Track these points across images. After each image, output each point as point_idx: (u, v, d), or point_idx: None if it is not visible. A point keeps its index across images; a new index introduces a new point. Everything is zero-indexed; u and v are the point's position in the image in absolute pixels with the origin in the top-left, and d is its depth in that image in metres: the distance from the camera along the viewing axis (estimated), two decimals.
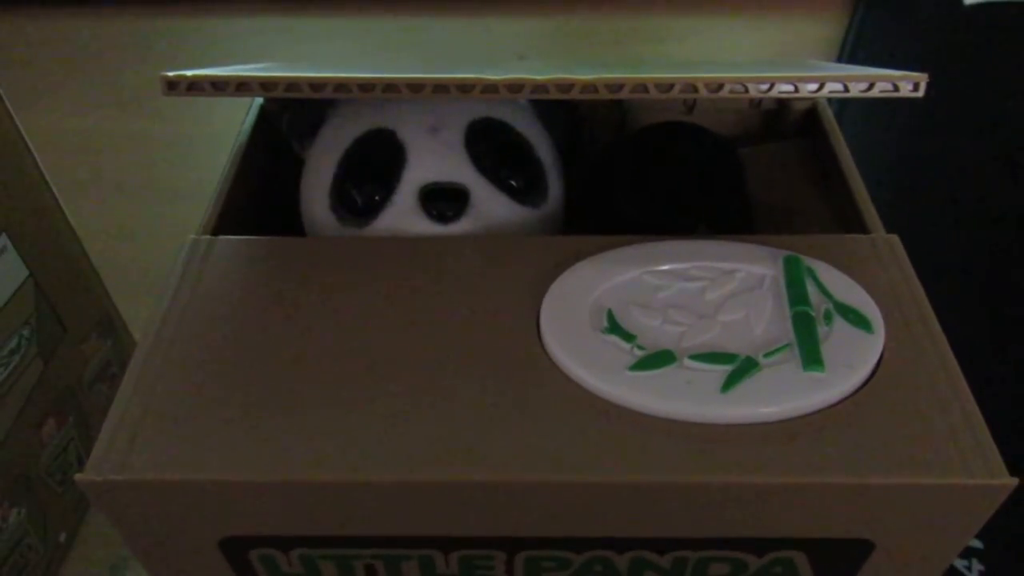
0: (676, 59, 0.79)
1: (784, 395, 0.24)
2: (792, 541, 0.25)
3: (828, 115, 0.37)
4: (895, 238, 0.29)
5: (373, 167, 0.32)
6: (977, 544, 0.43)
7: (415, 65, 0.32)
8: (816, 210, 0.35)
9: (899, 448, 0.23)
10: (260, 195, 0.36)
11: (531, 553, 0.26)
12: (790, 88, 0.26)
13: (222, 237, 0.30)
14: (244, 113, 0.38)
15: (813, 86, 0.26)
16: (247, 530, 0.25)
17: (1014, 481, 0.23)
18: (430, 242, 0.30)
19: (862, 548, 0.25)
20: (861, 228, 0.30)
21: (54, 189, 0.42)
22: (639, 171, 0.34)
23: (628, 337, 0.26)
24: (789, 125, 0.40)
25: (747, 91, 0.26)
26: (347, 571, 0.27)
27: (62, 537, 0.44)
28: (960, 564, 0.42)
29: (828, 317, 0.26)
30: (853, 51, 0.76)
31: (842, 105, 0.66)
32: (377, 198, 0.31)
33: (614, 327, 0.26)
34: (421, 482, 0.23)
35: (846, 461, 0.23)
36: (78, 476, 0.24)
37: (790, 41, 0.81)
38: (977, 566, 0.42)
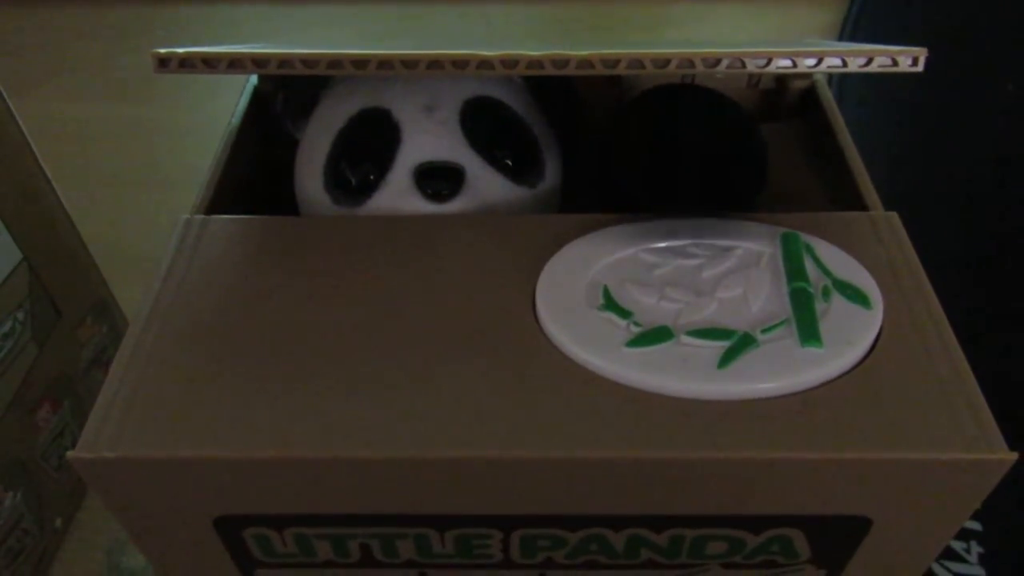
0: (674, 41, 0.79)
1: (781, 371, 0.24)
2: (789, 518, 0.25)
3: (827, 94, 0.37)
4: (894, 215, 0.29)
5: (367, 146, 0.32)
6: (976, 526, 0.43)
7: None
8: (815, 188, 0.35)
9: (897, 423, 0.23)
10: (254, 176, 0.36)
11: (527, 531, 0.26)
12: (788, 63, 0.26)
13: (215, 216, 0.30)
14: (238, 98, 0.37)
15: (811, 61, 0.26)
16: (241, 508, 0.25)
17: (1013, 456, 0.23)
18: (425, 221, 0.30)
19: (860, 525, 0.25)
20: (860, 206, 0.30)
21: (49, 176, 0.42)
22: (639, 142, 0.33)
23: (624, 314, 0.26)
24: (787, 105, 0.40)
25: (744, 66, 0.26)
26: (342, 550, 0.26)
27: (58, 522, 0.43)
28: (959, 546, 0.42)
29: (826, 293, 0.26)
30: (852, 38, 0.76)
31: (841, 88, 0.66)
32: (372, 177, 0.31)
33: (610, 304, 0.26)
34: (415, 459, 0.23)
35: (844, 437, 0.23)
36: (70, 454, 0.23)
37: (789, 27, 0.81)
38: (976, 548, 0.42)
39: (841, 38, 0.77)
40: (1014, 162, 0.60)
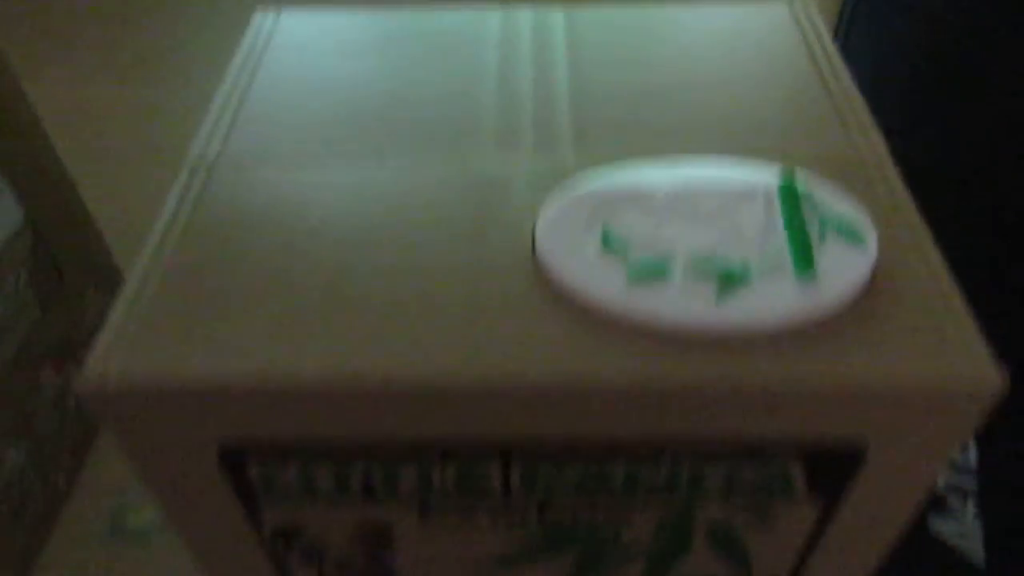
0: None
1: (778, 305, 0.25)
2: (786, 450, 0.25)
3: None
4: (886, 154, 0.29)
5: None
6: (971, 485, 0.43)
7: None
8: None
9: (892, 354, 0.24)
10: None
11: (526, 467, 0.26)
12: None
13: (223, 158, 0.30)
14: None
15: None
16: (245, 436, 0.25)
17: (1003, 383, 0.23)
18: None
19: (855, 455, 0.25)
20: (857, 142, 0.31)
21: (58, 152, 0.42)
22: None
23: (623, 248, 0.26)
24: None
25: None
26: (344, 486, 0.27)
27: (61, 482, 0.44)
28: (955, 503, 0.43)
29: (822, 229, 0.27)
30: (846, 37, 0.76)
31: (846, 38, 0.66)
32: None
33: (609, 238, 0.27)
34: (413, 379, 0.23)
35: (839, 367, 0.23)
36: (77, 385, 0.24)
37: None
38: (972, 507, 0.42)
39: (836, 38, 0.77)
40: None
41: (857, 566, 0.32)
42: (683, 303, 0.25)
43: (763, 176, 0.28)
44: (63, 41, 0.81)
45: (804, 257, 0.25)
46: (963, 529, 0.42)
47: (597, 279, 0.25)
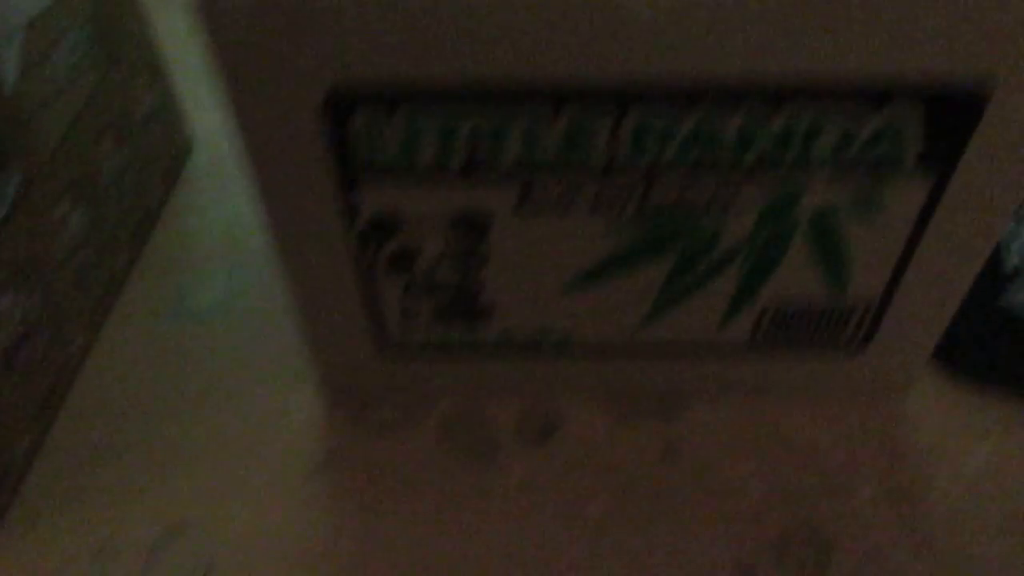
0: None
1: None
2: (905, 94, 0.25)
3: None
4: None
5: None
6: None
7: None
8: None
9: None
10: None
11: (639, 115, 0.25)
12: None
13: None
14: None
15: None
16: (355, 79, 0.24)
17: None
18: None
19: (976, 107, 0.25)
20: None
21: None
22: None
23: None
24: None
25: None
26: (449, 143, 0.26)
27: (121, 261, 0.43)
28: None
29: None
30: None
31: None
32: None
33: None
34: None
35: None
36: (194, 3, 0.23)
37: None
38: None
39: None
40: None
41: (955, 281, 0.31)
42: None
43: None
44: None
45: None
46: None
47: None
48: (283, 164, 0.27)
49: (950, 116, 0.25)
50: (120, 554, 0.33)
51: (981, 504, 0.33)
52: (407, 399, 0.37)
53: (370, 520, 0.34)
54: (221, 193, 0.49)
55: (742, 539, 0.33)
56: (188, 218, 0.47)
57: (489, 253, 0.30)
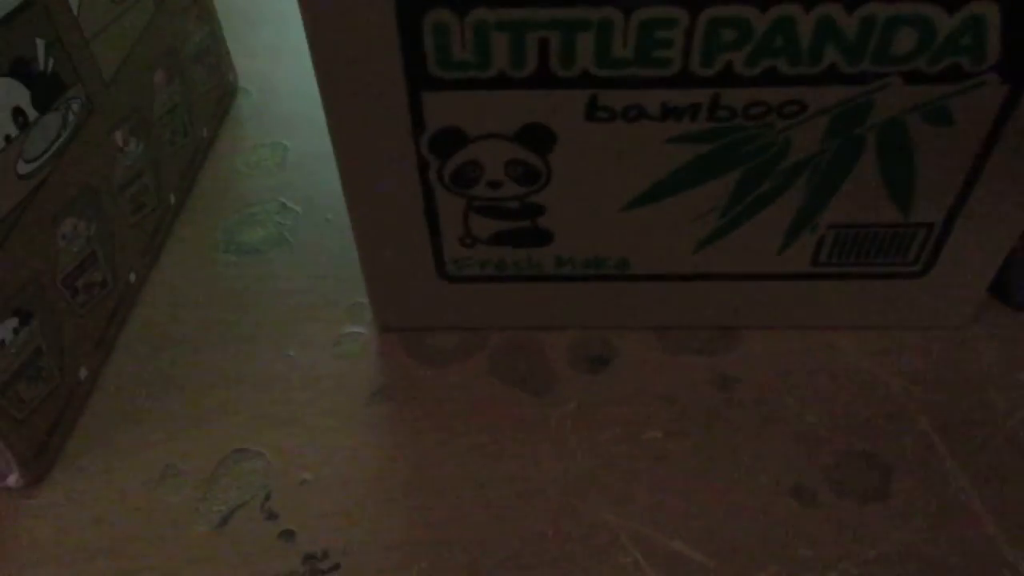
0: None
1: None
2: None
3: None
4: None
5: None
6: None
7: None
8: None
9: None
10: None
11: (714, 13, 0.25)
12: None
13: None
14: None
15: None
16: None
17: None
18: None
19: None
20: None
21: None
22: None
23: None
24: None
25: None
26: (519, 48, 0.26)
27: (173, 199, 0.44)
28: None
29: None
30: None
31: None
32: None
33: None
34: None
35: None
36: None
37: None
38: None
39: None
40: None
41: (1020, 203, 0.31)
42: None
43: None
44: None
45: None
46: None
47: None
48: (353, 69, 0.27)
49: None
50: (181, 479, 0.33)
51: None
52: (463, 328, 0.37)
53: (427, 447, 0.34)
54: (266, 135, 0.49)
55: (800, 464, 0.33)
56: (235, 157, 0.48)
57: (551, 172, 0.30)
